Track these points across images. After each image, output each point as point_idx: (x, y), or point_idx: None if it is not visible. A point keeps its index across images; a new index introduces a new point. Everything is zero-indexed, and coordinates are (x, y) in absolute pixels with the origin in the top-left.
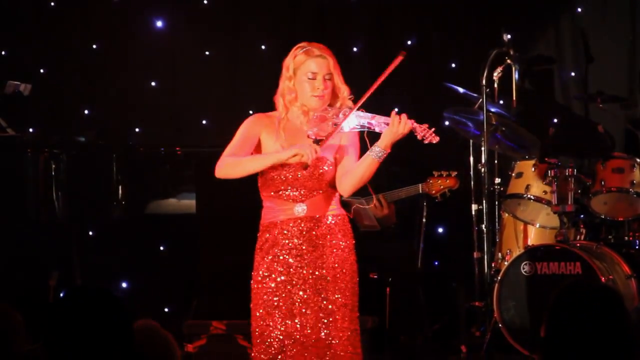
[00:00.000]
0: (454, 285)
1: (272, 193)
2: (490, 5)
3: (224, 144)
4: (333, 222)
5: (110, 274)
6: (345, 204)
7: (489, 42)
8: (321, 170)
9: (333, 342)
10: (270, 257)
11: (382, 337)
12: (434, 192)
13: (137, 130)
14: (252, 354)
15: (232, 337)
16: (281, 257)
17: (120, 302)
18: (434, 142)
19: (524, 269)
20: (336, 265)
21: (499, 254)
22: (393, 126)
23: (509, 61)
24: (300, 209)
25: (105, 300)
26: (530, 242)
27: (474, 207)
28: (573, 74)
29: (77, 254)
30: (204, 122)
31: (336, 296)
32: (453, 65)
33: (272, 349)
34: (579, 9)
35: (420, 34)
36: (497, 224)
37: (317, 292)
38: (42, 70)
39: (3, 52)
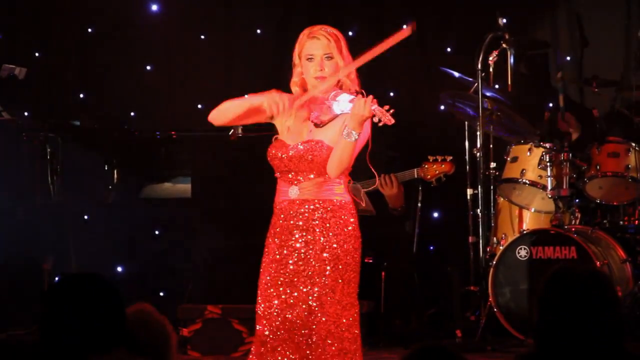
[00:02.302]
0: (449, 269)
1: (277, 174)
2: None
3: (218, 129)
4: (327, 206)
5: (105, 258)
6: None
7: (484, 26)
8: (309, 156)
9: (319, 323)
10: (270, 239)
11: (377, 321)
12: (429, 177)
13: (132, 114)
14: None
15: (227, 321)
16: (277, 239)
17: (114, 287)
18: (389, 124)
19: (519, 253)
20: (324, 251)
21: (494, 239)
22: (354, 108)
23: (504, 45)
24: (294, 192)
25: (99, 285)
26: (525, 226)
27: (469, 191)
28: (568, 58)
29: (72, 238)
30: (199, 106)
31: (319, 280)
32: (448, 49)
33: (264, 330)
34: None
35: (416, 18)
36: (492, 208)
37: (304, 275)
38: (37, 54)
39: None
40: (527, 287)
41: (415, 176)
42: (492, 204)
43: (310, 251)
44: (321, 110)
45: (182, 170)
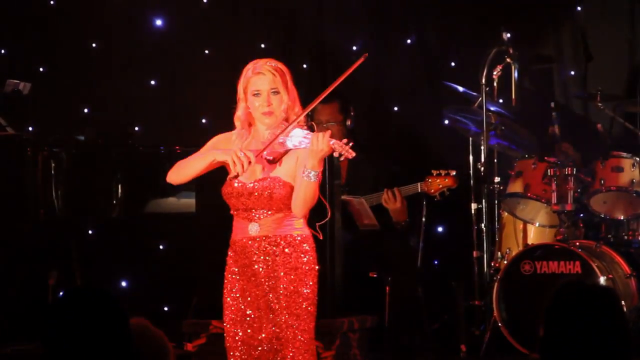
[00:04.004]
0: (453, 284)
1: (234, 212)
2: (490, 3)
3: None
4: (288, 242)
5: (109, 273)
6: (344, 203)
7: (488, 40)
8: (267, 192)
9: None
10: (230, 275)
11: (381, 336)
12: (432, 191)
13: (136, 129)
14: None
15: None
16: (238, 277)
17: (118, 303)
18: (350, 157)
19: (523, 268)
20: (289, 287)
21: (499, 253)
22: (312, 145)
23: (508, 60)
24: (253, 229)
25: (103, 301)
26: (529, 241)
27: (473, 206)
28: (572, 72)
29: (76, 253)
30: (203, 120)
31: (286, 316)
32: (453, 64)
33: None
34: (579, 8)
35: (420, 33)
36: (496, 223)
37: (270, 312)
38: (41, 69)
39: (2, 51)
40: (531, 301)
41: (419, 190)
42: (496, 219)
43: (273, 287)
44: (272, 146)
45: (186, 185)
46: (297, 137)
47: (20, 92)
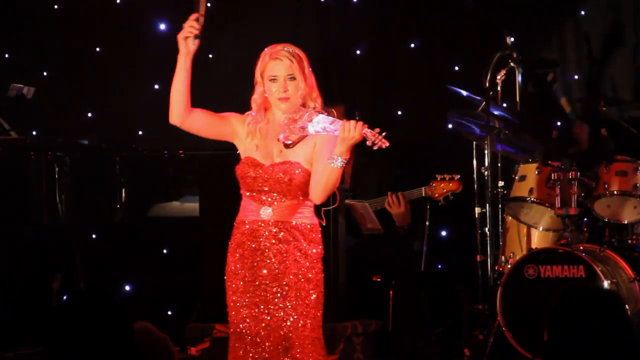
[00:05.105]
0: (457, 288)
1: (247, 193)
2: (494, 8)
3: (227, 147)
4: (300, 229)
5: (113, 277)
6: (347, 207)
7: (492, 45)
8: (287, 178)
9: (294, 345)
10: (237, 256)
11: (385, 340)
12: (437, 195)
13: (140, 133)
14: (229, 345)
15: None
16: (246, 258)
17: (121, 306)
18: (384, 147)
19: (527, 272)
20: (299, 273)
21: (503, 257)
22: (344, 132)
23: (512, 64)
24: (266, 213)
25: (106, 304)
26: (533, 245)
27: (477, 210)
28: (576, 76)
29: (80, 257)
30: None
31: (295, 302)
32: (456, 68)
33: (245, 341)
34: (582, 12)
35: (424, 37)
36: (500, 227)
37: (278, 296)
38: (45, 73)
39: (6, 55)
40: (535, 305)
41: (423, 195)
42: (500, 223)
43: (283, 273)
44: (290, 130)
45: (190, 189)
46: (320, 123)
47: (24, 96)
